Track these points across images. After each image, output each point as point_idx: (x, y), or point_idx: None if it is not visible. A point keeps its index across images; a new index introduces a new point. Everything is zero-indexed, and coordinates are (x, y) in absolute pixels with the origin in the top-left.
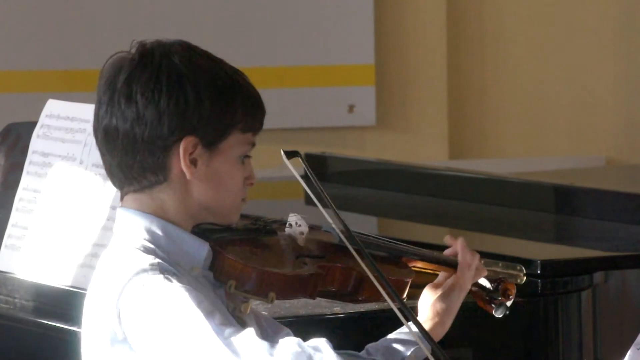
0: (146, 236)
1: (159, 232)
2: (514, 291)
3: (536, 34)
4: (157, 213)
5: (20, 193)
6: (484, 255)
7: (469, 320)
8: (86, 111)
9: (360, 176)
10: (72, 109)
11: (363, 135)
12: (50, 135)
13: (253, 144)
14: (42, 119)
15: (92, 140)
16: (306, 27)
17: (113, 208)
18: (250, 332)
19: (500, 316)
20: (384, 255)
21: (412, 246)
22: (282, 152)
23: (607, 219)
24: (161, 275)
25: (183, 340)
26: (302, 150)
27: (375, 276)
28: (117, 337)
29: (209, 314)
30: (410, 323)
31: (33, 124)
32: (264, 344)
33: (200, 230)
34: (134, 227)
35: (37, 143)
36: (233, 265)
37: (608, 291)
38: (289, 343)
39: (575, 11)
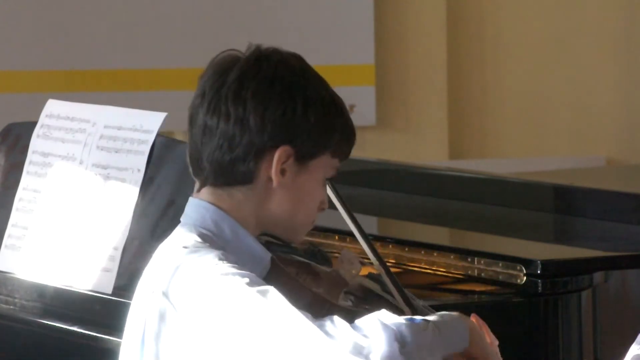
0: (212, 227)
1: (227, 229)
2: None
3: (536, 34)
4: (231, 212)
5: (20, 193)
6: (484, 255)
7: None
8: (86, 111)
9: (360, 176)
10: (72, 109)
11: (363, 135)
12: (50, 135)
13: (336, 170)
14: (42, 119)
15: (92, 140)
16: (306, 27)
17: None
18: (336, 316)
19: None
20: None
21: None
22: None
23: (607, 219)
24: (228, 263)
25: (275, 327)
26: None
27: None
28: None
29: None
30: None
31: (33, 124)
32: (348, 325)
33: (263, 242)
34: (202, 217)
35: (37, 143)
36: (289, 282)
37: (608, 291)
38: (372, 320)
39: (576, 11)
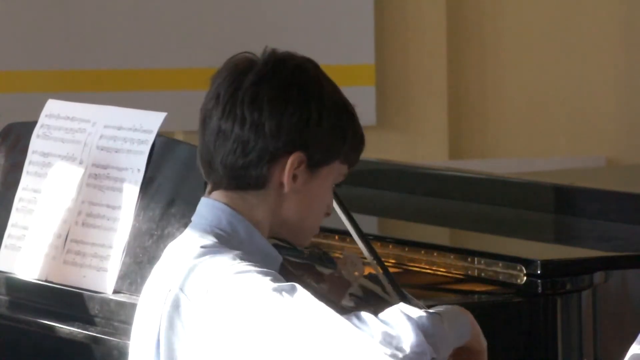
0: (227, 228)
1: (242, 231)
2: None
3: (536, 34)
4: (245, 214)
5: (20, 193)
6: (484, 255)
7: None
8: (86, 111)
9: (360, 176)
10: (72, 109)
11: None
12: (50, 135)
13: (345, 177)
14: (42, 119)
15: (92, 140)
16: (306, 27)
17: (112, 208)
18: (362, 312)
19: None
20: None
21: None
22: None
23: (607, 219)
24: (243, 262)
25: (304, 323)
26: None
27: None
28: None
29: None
30: None
31: (33, 124)
32: (375, 317)
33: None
34: (218, 217)
35: (37, 143)
36: (297, 284)
37: (608, 291)
38: (395, 312)
39: (576, 11)
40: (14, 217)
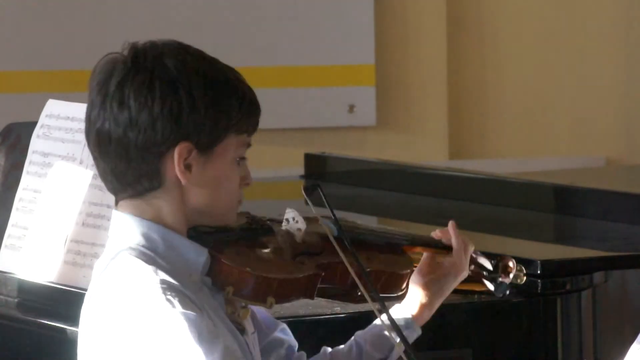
0: (144, 242)
1: (157, 239)
2: (513, 268)
3: (536, 34)
4: (154, 219)
5: (20, 193)
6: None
7: (469, 321)
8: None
9: (360, 176)
10: (72, 109)
11: (363, 135)
12: (50, 135)
13: (248, 145)
14: (42, 119)
15: None
16: (306, 27)
17: (112, 208)
18: None
19: (501, 295)
20: (382, 244)
21: (407, 232)
22: (302, 190)
23: (607, 219)
24: (163, 297)
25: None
26: (302, 150)
27: (356, 271)
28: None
29: (208, 350)
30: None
31: (33, 124)
32: None
33: (197, 233)
34: (131, 232)
35: (37, 143)
36: (230, 271)
37: (608, 291)
38: None
39: (576, 11)
40: (14, 217)
